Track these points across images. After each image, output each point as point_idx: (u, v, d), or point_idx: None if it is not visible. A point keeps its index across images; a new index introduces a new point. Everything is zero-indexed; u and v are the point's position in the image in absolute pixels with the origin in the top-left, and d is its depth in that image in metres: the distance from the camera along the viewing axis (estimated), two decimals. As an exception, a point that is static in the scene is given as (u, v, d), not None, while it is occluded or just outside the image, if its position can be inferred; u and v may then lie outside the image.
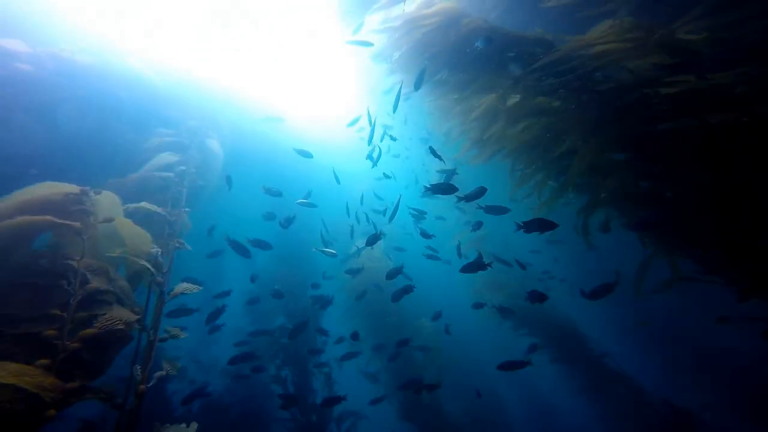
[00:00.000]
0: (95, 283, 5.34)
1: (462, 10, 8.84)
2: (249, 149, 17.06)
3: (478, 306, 11.13)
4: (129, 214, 7.25)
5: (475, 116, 9.49)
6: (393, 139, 11.66)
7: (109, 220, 6.21)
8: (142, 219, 7.51)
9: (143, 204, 7.19)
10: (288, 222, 10.25)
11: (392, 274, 9.82)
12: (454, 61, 9.16)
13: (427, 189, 7.53)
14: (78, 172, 10.01)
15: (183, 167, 9.82)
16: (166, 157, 9.51)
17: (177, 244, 7.57)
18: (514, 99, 8.74)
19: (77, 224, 5.71)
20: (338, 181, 11.34)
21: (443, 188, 7.35)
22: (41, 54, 10.57)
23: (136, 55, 14.45)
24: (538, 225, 6.40)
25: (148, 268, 5.83)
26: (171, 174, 9.04)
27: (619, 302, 20.31)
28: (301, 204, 9.45)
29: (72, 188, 6.15)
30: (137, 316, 5.57)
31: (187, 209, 8.77)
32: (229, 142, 13.89)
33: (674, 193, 6.88)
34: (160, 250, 6.64)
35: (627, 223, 7.82)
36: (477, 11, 10.21)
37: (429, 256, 11.55)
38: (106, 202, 6.68)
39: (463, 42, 8.72)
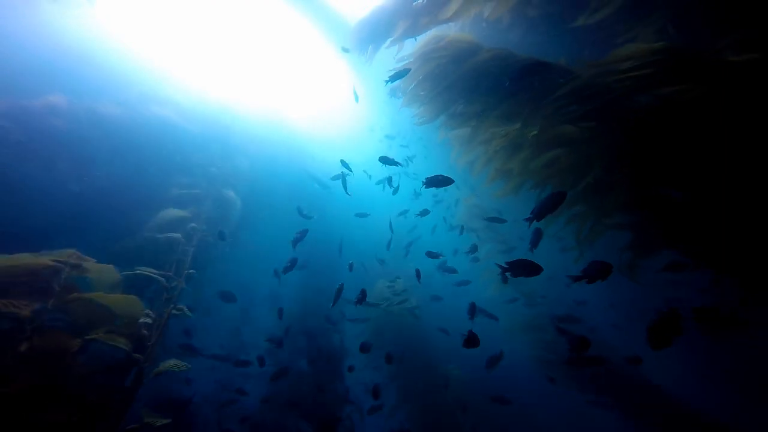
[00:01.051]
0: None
1: (476, 40, 8.61)
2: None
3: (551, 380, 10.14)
4: (127, 279, 7.57)
5: (496, 147, 9.01)
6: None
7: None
8: (142, 283, 7.84)
9: (140, 269, 7.42)
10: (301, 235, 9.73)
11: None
12: (470, 90, 8.82)
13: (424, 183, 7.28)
14: (103, 225, 10.67)
15: (193, 224, 10.13)
16: (176, 213, 9.82)
17: (175, 311, 7.77)
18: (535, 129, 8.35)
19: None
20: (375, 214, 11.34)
21: (439, 181, 7.05)
22: (77, 108, 11.37)
23: (171, 101, 15.41)
24: (523, 267, 5.29)
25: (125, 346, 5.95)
26: (178, 234, 9.30)
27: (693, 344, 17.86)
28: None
29: (56, 257, 6.35)
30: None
31: (192, 271, 9.02)
32: (247, 187, 14.23)
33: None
34: (149, 320, 6.78)
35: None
36: (491, 38, 10.33)
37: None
38: (100, 270, 6.91)
39: (479, 72, 8.42)
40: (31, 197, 10.59)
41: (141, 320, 6.28)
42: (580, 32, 8.82)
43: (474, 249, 10.42)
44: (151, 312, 6.64)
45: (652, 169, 6.89)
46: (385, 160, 8.50)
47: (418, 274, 9.16)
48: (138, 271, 7.74)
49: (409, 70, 8.57)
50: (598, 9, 7.85)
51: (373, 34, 10.79)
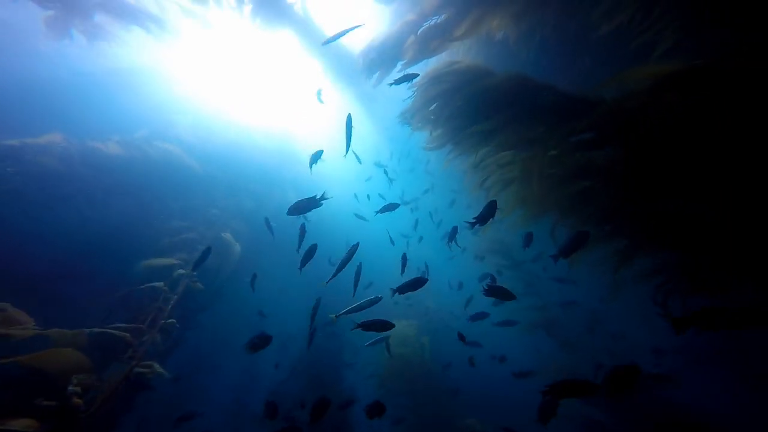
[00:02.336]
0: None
1: (488, 67, 8.00)
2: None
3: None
4: (93, 336, 6.51)
5: (512, 175, 8.30)
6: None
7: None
8: (110, 342, 6.74)
9: (106, 328, 6.36)
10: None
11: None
12: (483, 113, 8.01)
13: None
14: (92, 275, 9.86)
15: (181, 271, 9.15)
16: (163, 262, 8.88)
17: (141, 369, 6.60)
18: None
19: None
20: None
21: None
22: (72, 147, 10.87)
23: (181, 139, 15.08)
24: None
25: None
26: (161, 283, 8.30)
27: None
28: None
29: None
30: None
31: (171, 321, 7.95)
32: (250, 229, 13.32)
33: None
34: (79, 389, 5.47)
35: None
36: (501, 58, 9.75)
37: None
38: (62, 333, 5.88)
39: (492, 94, 7.76)
40: (16, 242, 9.92)
41: (70, 388, 5.05)
42: (591, 43, 8.23)
43: (492, 279, 9.22)
44: (89, 377, 5.45)
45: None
46: (385, 209, 7.78)
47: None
48: (100, 330, 6.70)
49: (417, 74, 7.95)
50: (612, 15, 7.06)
51: (381, 59, 10.21)
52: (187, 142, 15.78)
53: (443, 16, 9.31)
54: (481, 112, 7.79)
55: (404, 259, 7.48)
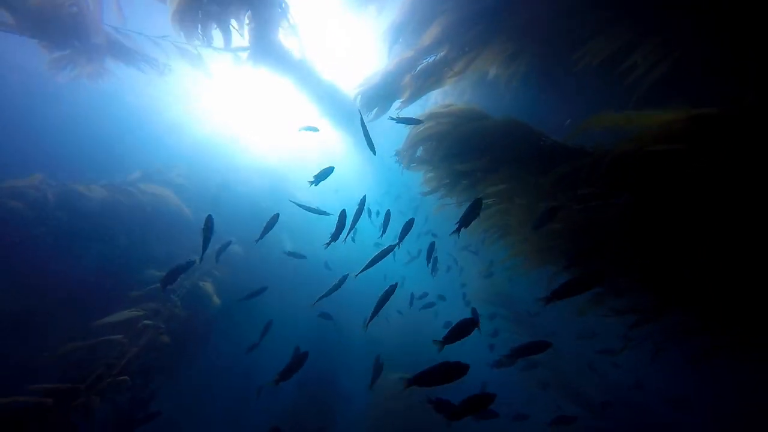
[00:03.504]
0: None
1: (484, 111, 7.61)
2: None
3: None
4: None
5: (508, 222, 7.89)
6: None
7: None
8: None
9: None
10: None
11: None
12: (478, 156, 7.63)
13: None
14: (53, 328, 8.91)
15: (147, 322, 8.16)
16: (127, 314, 7.93)
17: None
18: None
19: None
20: None
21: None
22: (48, 189, 10.28)
23: (174, 182, 14.58)
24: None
25: None
26: (119, 336, 7.29)
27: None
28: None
29: None
30: None
31: (124, 378, 6.86)
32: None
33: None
34: None
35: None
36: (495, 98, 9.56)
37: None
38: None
39: (488, 138, 7.37)
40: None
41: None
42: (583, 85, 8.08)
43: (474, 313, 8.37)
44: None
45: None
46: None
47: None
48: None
49: (422, 121, 7.56)
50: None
51: (378, 96, 9.82)
52: (180, 185, 15.33)
53: (440, 54, 9.00)
54: (474, 154, 7.37)
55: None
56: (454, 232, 5.21)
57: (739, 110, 4.41)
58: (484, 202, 7.70)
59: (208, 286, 10.45)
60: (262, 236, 6.42)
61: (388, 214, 6.83)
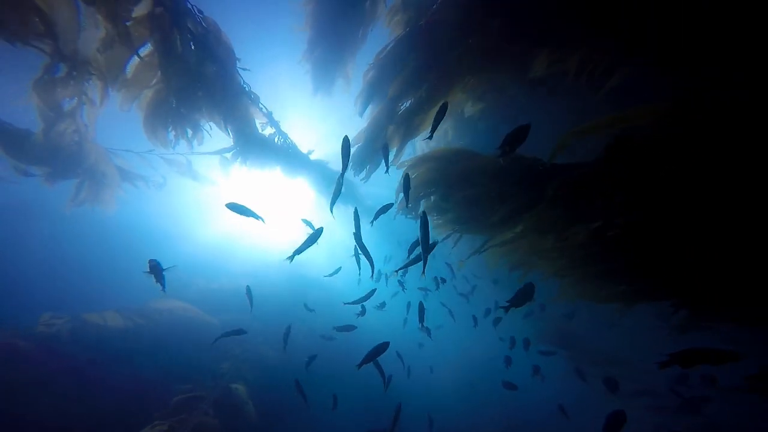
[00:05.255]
0: None
1: (466, 148, 7.69)
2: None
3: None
4: None
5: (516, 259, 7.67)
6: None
7: None
8: None
9: None
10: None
11: None
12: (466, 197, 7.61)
13: None
14: None
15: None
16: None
17: None
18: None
19: None
20: None
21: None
22: (58, 324, 10.15)
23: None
24: None
25: None
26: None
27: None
28: None
29: None
30: None
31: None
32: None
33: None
34: None
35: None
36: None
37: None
38: None
39: (478, 174, 7.28)
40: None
41: None
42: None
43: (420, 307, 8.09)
44: None
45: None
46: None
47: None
48: None
49: (393, 204, 7.40)
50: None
51: (366, 154, 9.81)
52: (201, 300, 15.18)
53: (410, 100, 9.20)
54: (467, 196, 7.37)
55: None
56: (503, 307, 5.24)
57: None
58: (494, 241, 7.54)
59: (241, 389, 9.78)
60: (285, 342, 7.40)
61: (421, 307, 7.07)
